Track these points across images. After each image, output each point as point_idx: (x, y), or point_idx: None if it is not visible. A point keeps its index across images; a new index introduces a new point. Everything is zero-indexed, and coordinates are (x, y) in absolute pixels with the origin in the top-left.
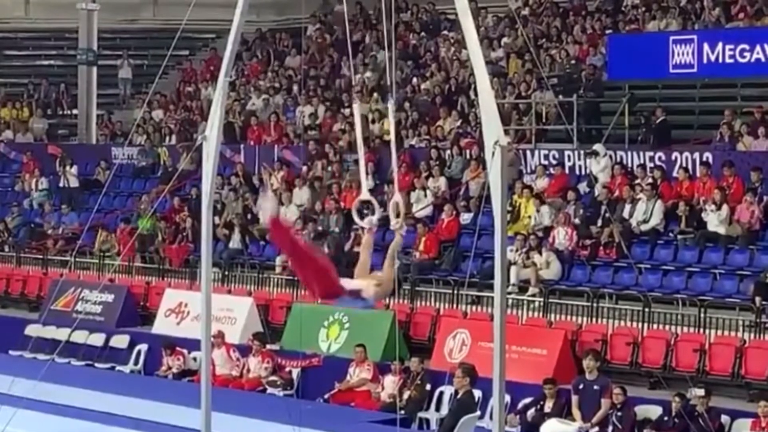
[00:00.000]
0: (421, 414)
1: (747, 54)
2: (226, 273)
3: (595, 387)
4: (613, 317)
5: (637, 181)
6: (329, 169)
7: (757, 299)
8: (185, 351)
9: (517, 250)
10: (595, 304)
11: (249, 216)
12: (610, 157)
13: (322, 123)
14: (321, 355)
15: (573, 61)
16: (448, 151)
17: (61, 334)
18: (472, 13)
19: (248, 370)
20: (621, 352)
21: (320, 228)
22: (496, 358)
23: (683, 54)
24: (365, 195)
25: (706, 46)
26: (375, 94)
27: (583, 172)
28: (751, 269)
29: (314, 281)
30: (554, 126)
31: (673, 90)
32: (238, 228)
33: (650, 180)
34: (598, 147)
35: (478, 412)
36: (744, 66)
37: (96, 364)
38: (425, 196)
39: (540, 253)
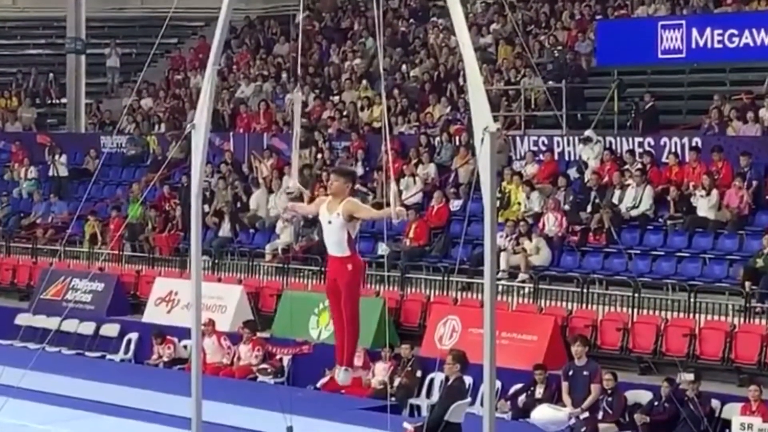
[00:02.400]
0: (411, 400)
1: (736, 39)
2: (216, 261)
3: (585, 373)
4: (603, 303)
5: (627, 166)
6: (319, 156)
7: (747, 284)
8: (175, 339)
9: (507, 237)
10: (584, 290)
11: (238, 204)
12: (599, 142)
13: (311, 110)
14: (311, 343)
15: (560, 48)
16: (438, 138)
17: (52, 323)
18: (460, 0)
19: (239, 358)
20: (611, 337)
21: (310, 216)
22: (487, 345)
23: (672, 39)
24: (294, 182)
25: (694, 32)
26: (364, 81)
27: (572, 158)
28: (741, 254)
29: None
30: (543, 112)
31: (661, 75)
32: (228, 216)
33: (639, 165)
34: (589, 133)
35: (469, 399)
36: (733, 51)
37: (86, 353)
38: (415, 183)
39: (530, 239)
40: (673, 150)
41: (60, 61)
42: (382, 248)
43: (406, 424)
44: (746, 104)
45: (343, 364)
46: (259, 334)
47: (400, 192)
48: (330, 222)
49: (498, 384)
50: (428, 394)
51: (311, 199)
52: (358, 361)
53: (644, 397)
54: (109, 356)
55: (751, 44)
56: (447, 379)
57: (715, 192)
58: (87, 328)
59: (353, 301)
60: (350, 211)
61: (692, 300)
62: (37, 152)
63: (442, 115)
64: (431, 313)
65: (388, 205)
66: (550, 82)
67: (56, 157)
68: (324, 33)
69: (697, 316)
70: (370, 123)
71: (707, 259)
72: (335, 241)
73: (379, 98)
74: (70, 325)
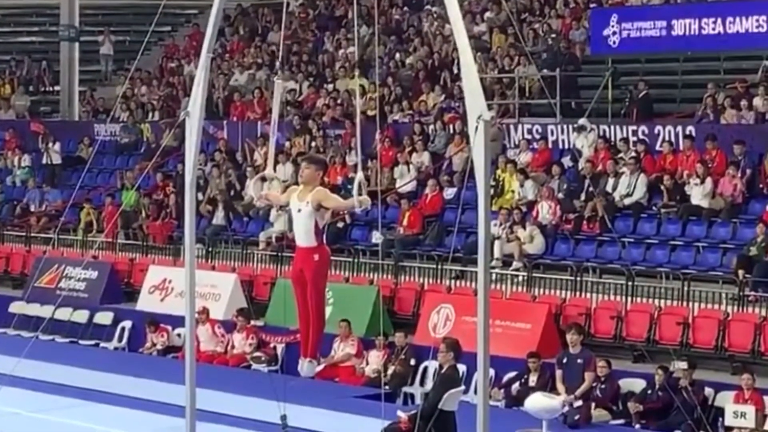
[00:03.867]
0: (405, 389)
1: (731, 26)
2: (210, 249)
3: (579, 361)
4: (596, 291)
5: (620, 155)
6: (312, 144)
7: (740, 272)
8: (169, 327)
9: (500, 225)
10: (578, 278)
11: (232, 192)
12: (592, 130)
13: (305, 99)
14: None
15: (554, 36)
16: (432, 126)
17: (45, 311)
18: None
19: (232, 346)
20: (605, 325)
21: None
22: (480, 333)
23: (666, 27)
24: (269, 170)
25: (688, 19)
26: (358, 70)
27: (566, 147)
28: (734, 242)
29: None
30: (537, 100)
31: (655, 64)
32: (222, 204)
33: (633, 154)
34: (583, 121)
35: (463, 387)
36: (726, 38)
37: (80, 341)
38: (408, 171)
39: (524, 227)
40: (667, 138)
41: (53, 49)
42: (376, 236)
43: (399, 413)
44: (740, 93)
45: (307, 356)
46: (252, 322)
47: (368, 181)
48: (299, 210)
49: (491, 372)
50: (422, 383)
51: (286, 188)
52: (351, 349)
53: (638, 385)
54: (102, 344)
55: (742, 32)
56: (440, 367)
57: (709, 180)
58: (80, 316)
59: (319, 292)
60: (319, 200)
61: (686, 288)
62: (31, 140)
63: (436, 103)
64: (425, 301)
65: (371, 194)
66: (544, 71)
67: (49, 144)
68: (318, 21)
69: (690, 304)
70: (364, 111)
71: (701, 248)
72: (303, 230)
73: (374, 86)
74: (64, 313)
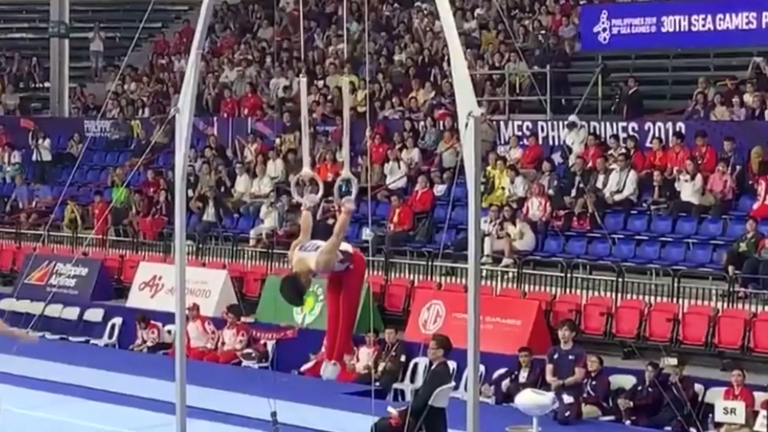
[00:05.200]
0: (395, 385)
1: (721, 23)
2: (201, 246)
3: (570, 356)
4: (586, 287)
5: (611, 151)
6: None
7: (730, 268)
8: (160, 324)
9: (491, 221)
10: (568, 275)
11: (222, 188)
12: (583, 127)
13: (295, 95)
14: (296, 328)
15: (544, 32)
16: (422, 123)
17: (35, 307)
18: None
19: (223, 343)
20: (595, 322)
21: (293, 201)
22: (471, 329)
23: (656, 23)
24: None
25: (678, 15)
26: (348, 66)
27: (556, 143)
28: (724, 239)
29: None
30: (528, 97)
31: (645, 60)
32: (212, 200)
33: (623, 150)
34: (574, 118)
35: (453, 383)
36: (716, 35)
37: (70, 338)
38: (399, 167)
39: (514, 224)
40: (657, 135)
41: (43, 45)
42: (367, 233)
43: (390, 409)
44: (730, 89)
45: (331, 358)
46: (243, 319)
47: (358, 177)
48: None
49: (482, 368)
50: (412, 379)
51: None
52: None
53: (628, 381)
54: (93, 341)
55: (732, 28)
56: (431, 363)
57: (698, 177)
58: (71, 313)
59: (354, 294)
60: (327, 263)
61: (676, 284)
62: (21, 137)
63: (426, 99)
64: (415, 297)
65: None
66: (535, 67)
67: (39, 141)
68: (309, 17)
69: (680, 300)
70: (355, 107)
71: (691, 244)
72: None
73: (365, 83)
74: (54, 310)
